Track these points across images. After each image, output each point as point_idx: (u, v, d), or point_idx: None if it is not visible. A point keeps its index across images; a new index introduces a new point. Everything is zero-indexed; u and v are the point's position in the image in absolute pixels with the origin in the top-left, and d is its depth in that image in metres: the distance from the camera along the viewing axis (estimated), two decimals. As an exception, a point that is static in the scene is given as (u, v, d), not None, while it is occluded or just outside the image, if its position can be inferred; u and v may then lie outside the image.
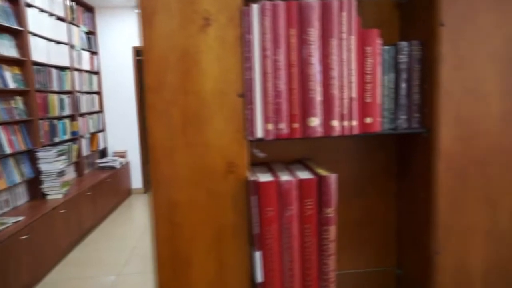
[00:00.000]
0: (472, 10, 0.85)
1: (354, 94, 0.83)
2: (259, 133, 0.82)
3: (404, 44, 0.89)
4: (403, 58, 0.90)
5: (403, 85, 0.90)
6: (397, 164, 1.07)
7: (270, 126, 0.82)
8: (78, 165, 4.85)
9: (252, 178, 0.82)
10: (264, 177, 0.85)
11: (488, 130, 0.88)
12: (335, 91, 0.82)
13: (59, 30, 4.52)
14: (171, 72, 0.80)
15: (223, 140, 0.82)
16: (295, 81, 0.81)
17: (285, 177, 0.84)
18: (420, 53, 0.90)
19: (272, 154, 1.04)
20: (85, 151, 5.01)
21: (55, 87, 4.33)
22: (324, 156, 1.06)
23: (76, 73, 4.87)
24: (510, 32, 0.86)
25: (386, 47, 0.89)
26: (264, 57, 0.80)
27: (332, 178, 0.82)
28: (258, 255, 0.82)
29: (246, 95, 0.82)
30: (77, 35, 5.02)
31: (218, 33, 0.80)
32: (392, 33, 1.04)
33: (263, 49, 0.80)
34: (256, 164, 1.00)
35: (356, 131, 0.85)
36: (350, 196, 1.07)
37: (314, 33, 0.80)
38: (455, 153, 0.88)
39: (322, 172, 0.86)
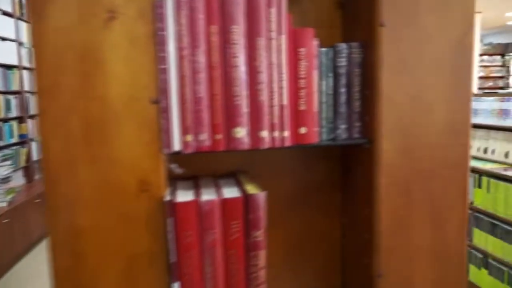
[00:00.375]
0: (414, 10, 0.77)
1: (286, 101, 0.74)
2: (176, 145, 0.71)
3: (342, 46, 0.81)
4: (342, 61, 0.81)
5: (343, 91, 0.82)
6: (341, 177, 0.99)
7: (189, 138, 0.71)
8: (28, 171, 4.55)
9: (168, 198, 0.71)
10: (184, 196, 0.74)
11: (433, 141, 0.80)
12: (264, 98, 0.72)
13: (6, 26, 4.23)
14: (69, 73, 0.68)
15: (134, 154, 0.71)
16: (218, 85, 0.71)
17: (207, 195, 0.73)
18: (360, 56, 0.82)
19: (204, 166, 0.93)
20: (35, 156, 4.71)
21: (1, 87, 4.04)
22: (262, 167, 0.96)
23: (25, 72, 4.57)
24: (454, 35, 0.79)
25: (323, 49, 0.80)
26: (181, 57, 0.69)
27: (261, 197, 0.72)
28: (176, 287, 0.71)
29: (161, 102, 0.70)
30: (27, 31, 4.72)
31: (126, 28, 0.68)
32: (335, 34, 0.95)
33: (180, 48, 0.69)
34: (183, 178, 0.89)
35: (288, 143, 0.75)
36: (291, 211, 0.98)
37: (238, 31, 0.70)
38: (398, 166, 0.80)
39: (251, 189, 0.76)
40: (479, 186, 2.90)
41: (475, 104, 3.25)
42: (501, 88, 10.06)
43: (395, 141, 0.79)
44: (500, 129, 2.97)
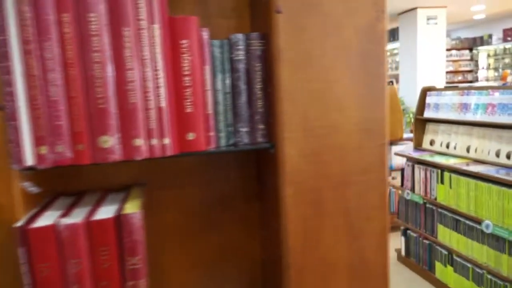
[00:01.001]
0: (315, -6, 0.67)
1: (165, 103, 0.63)
2: (29, 159, 0.59)
3: (239, 37, 0.70)
4: (239, 55, 0.70)
5: (242, 90, 0.71)
6: (258, 185, 0.89)
7: (44, 150, 0.59)
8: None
9: (20, 223, 0.59)
10: (47, 219, 0.62)
11: (344, 143, 0.71)
12: (137, 100, 0.61)
13: None
14: None
15: (-25, 172, 0.59)
16: (76, 86, 0.59)
17: (74, 217, 0.62)
18: (261, 48, 0.71)
19: (98, 177, 0.81)
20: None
21: None
22: (166, 178, 0.85)
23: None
24: (364, 22, 0.69)
25: (216, 41, 0.70)
26: (26, 53, 0.57)
27: (136, 217, 0.61)
28: (35, 329, 0.59)
29: (6, 107, 0.58)
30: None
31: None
32: (244, 25, 0.85)
33: (24, 42, 0.57)
34: (66, 194, 0.77)
35: (171, 151, 0.64)
36: (205, 226, 0.87)
37: (98, 20, 0.59)
38: (305, 173, 0.70)
39: (130, 207, 0.65)
40: (442, 182, 2.87)
41: (437, 99, 3.22)
42: (470, 82, 10.24)
43: (300, 144, 0.69)
44: (461, 123, 2.95)
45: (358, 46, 0.69)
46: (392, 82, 4.00)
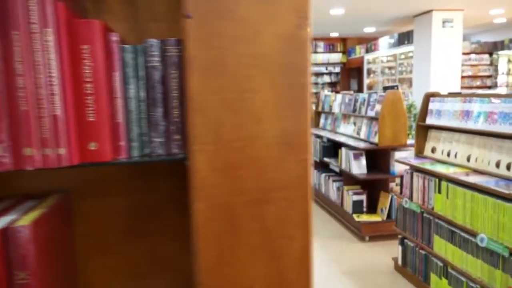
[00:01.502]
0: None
1: (60, 111, 0.60)
2: None
3: (153, 42, 0.67)
4: (154, 61, 0.67)
5: (157, 98, 0.68)
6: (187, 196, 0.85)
7: None
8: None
9: None
10: None
11: (262, 157, 0.66)
12: (28, 107, 0.58)
13: None
14: None
15: None
16: (-37, 92, 0.57)
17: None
18: (178, 54, 0.68)
19: (16, 183, 0.79)
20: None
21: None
22: (91, 186, 0.82)
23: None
24: (284, 28, 0.65)
25: (127, 46, 0.66)
26: None
27: (24, 231, 0.58)
28: None
29: None
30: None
31: None
32: (175, 30, 0.81)
33: None
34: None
35: (68, 161, 0.61)
36: (130, 237, 0.84)
37: (-15, 24, 0.56)
38: (218, 187, 0.66)
39: (25, 219, 0.62)
40: (439, 191, 2.77)
41: (440, 105, 3.12)
42: (489, 87, 9.95)
43: (212, 157, 0.65)
44: (462, 132, 2.84)
45: (278, 55, 0.65)
46: (396, 87, 3.90)
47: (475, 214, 2.41)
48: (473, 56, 9.96)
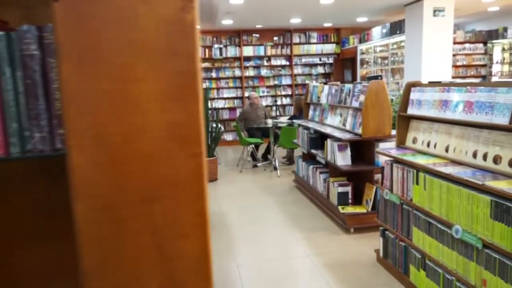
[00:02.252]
0: (101, -22, 0.58)
1: None
2: None
3: (27, 29, 0.61)
4: (31, 49, 0.62)
5: (38, 89, 0.63)
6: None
7: None
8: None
9: None
10: None
11: (149, 152, 0.62)
12: None
13: None
14: None
15: None
16: None
17: None
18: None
19: None
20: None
21: None
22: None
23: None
24: (164, 13, 0.59)
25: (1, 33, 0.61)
26: None
27: None
28: None
29: None
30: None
31: None
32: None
33: None
34: None
35: None
36: (28, 238, 0.79)
37: None
38: (100, 186, 0.61)
39: None
40: (417, 183, 2.73)
41: (420, 95, 3.06)
42: (483, 76, 9.87)
43: (91, 153, 0.60)
44: (441, 122, 2.79)
45: (160, 40, 0.60)
46: (380, 77, 3.84)
47: (451, 206, 2.37)
48: (467, 45, 9.86)
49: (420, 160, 2.73)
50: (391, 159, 3.08)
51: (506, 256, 1.95)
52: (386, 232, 3.21)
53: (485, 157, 2.36)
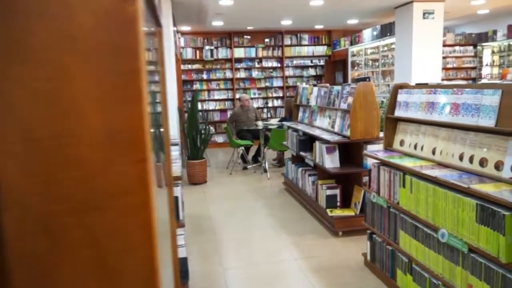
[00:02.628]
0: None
1: None
2: None
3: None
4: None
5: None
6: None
7: None
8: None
9: None
10: None
11: (87, 159, 0.56)
12: None
13: None
14: None
15: None
16: None
17: None
18: None
19: None
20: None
21: None
22: None
23: None
24: (101, 4, 0.54)
25: None
26: None
27: None
28: None
29: None
30: None
31: None
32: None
33: None
34: None
35: None
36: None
37: None
38: (32, 195, 0.55)
39: None
40: (404, 186, 2.69)
41: (407, 97, 3.03)
42: (473, 79, 9.92)
43: (22, 159, 0.54)
44: (428, 124, 2.76)
45: (99, 35, 0.54)
46: (368, 78, 3.81)
47: (437, 209, 2.33)
48: (457, 48, 9.90)
49: (407, 163, 2.69)
50: (378, 161, 3.05)
51: (491, 261, 1.91)
52: (374, 235, 3.17)
53: (471, 159, 2.33)
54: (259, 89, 10.45)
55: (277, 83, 10.47)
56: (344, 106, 4.03)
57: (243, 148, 7.39)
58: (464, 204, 2.08)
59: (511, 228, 1.81)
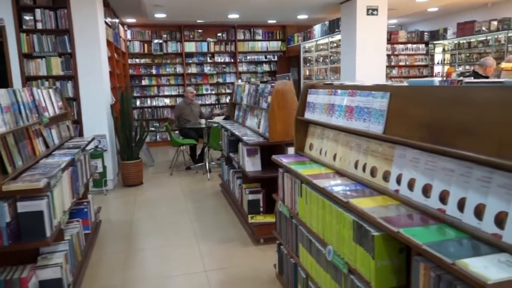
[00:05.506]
0: None
1: None
2: None
3: None
4: None
5: None
6: None
7: None
8: None
9: None
10: None
11: None
12: None
13: None
14: None
15: None
16: None
17: None
18: None
19: None
20: None
21: None
22: None
23: None
24: None
25: None
26: None
27: None
28: None
29: None
30: None
31: None
32: None
33: None
34: None
35: None
36: None
37: None
38: None
39: None
40: (301, 195, 2.47)
41: (315, 98, 2.81)
42: (425, 77, 9.95)
43: None
44: (330, 127, 2.55)
45: None
46: (288, 76, 3.57)
47: (325, 223, 2.12)
48: (409, 45, 9.92)
49: (306, 170, 2.47)
50: (283, 167, 2.82)
51: (367, 286, 1.71)
52: (281, 246, 2.95)
53: (364, 168, 2.13)
54: (211, 85, 10.14)
55: (230, 79, 10.19)
56: (265, 105, 3.79)
57: (183, 147, 7.08)
58: (344, 220, 1.87)
59: (381, 251, 1.60)
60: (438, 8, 8.41)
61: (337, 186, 2.08)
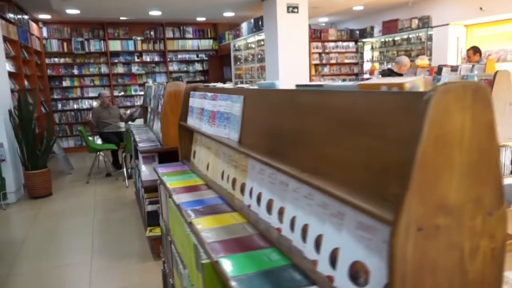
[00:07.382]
0: None
1: None
2: None
3: None
4: None
5: None
6: None
7: None
8: None
9: None
10: None
11: None
12: None
13: None
14: None
15: None
16: None
17: None
18: None
19: None
20: None
21: None
22: None
23: None
24: None
25: None
26: None
27: None
28: None
29: None
30: None
31: None
32: None
33: None
34: None
35: None
36: None
37: None
38: None
39: None
40: (170, 210, 2.22)
41: (193, 101, 2.57)
42: (356, 74, 10.10)
43: None
44: (201, 134, 2.32)
45: None
46: (181, 78, 3.31)
47: (182, 242, 1.88)
48: (340, 43, 10.01)
49: (180, 182, 2.23)
50: (158, 179, 2.56)
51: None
52: (165, 264, 2.69)
53: (228, 179, 1.92)
54: (140, 85, 9.66)
55: (161, 79, 9.76)
56: (160, 109, 3.52)
57: (101, 153, 6.63)
58: (189, 242, 1.65)
59: (211, 281, 1.39)
60: (364, 7, 8.53)
61: (195, 201, 1.85)
